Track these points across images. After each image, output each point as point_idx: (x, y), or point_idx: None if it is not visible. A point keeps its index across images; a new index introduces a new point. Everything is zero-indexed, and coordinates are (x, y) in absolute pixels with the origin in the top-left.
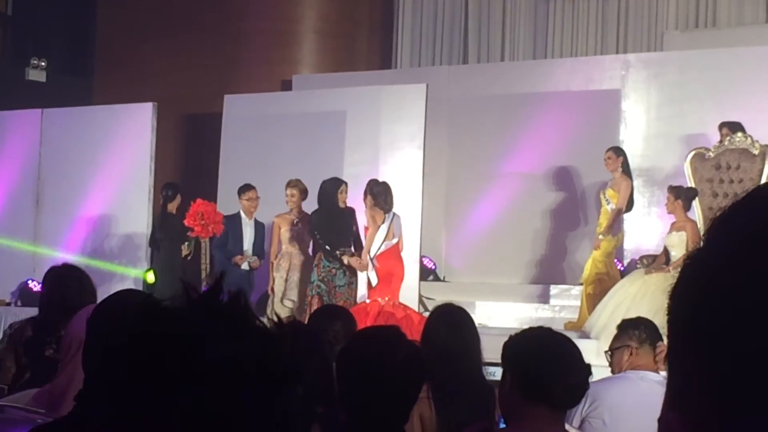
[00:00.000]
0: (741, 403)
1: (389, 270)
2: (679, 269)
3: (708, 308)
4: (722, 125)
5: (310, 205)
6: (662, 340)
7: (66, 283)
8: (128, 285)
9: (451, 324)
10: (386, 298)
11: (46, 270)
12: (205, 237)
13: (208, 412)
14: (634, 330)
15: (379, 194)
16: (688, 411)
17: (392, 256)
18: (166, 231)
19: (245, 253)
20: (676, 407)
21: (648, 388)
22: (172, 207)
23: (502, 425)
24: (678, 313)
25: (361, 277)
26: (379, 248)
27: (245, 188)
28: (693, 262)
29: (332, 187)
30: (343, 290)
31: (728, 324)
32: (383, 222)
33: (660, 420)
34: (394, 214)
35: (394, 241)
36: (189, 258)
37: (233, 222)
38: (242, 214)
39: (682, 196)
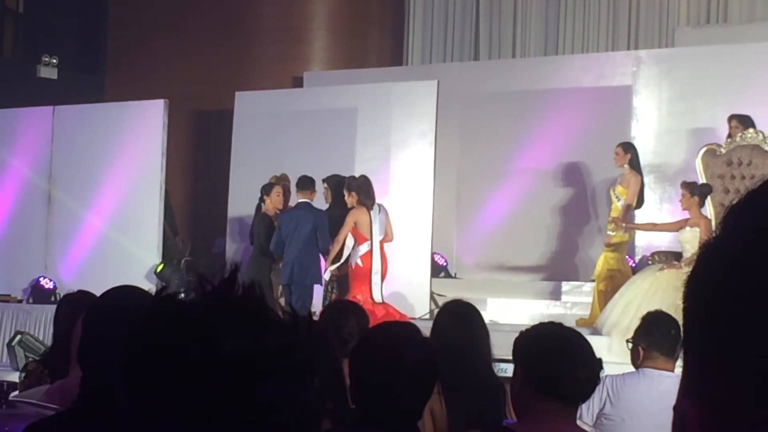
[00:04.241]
0: (757, 388)
1: (366, 269)
2: (691, 266)
3: (725, 294)
4: (731, 117)
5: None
6: (672, 343)
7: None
8: (140, 281)
9: (461, 319)
10: (358, 296)
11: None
12: None
13: (224, 406)
14: (644, 330)
15: (362, 189)
16: (703, 397)
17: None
18: (258, 229)
19: None
20: (691, 394)
21: (666, 386)
22: (267, 207)
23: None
24: (694, 300)
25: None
26: (371, 248)
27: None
28: (709, 249)
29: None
30: None
31: (745, 309)
32: (372, 222)
33: (675, 407)
34: (380, 207)
35: (381, 237)
36: None
37: (321, 214)
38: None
39: (697, 192)
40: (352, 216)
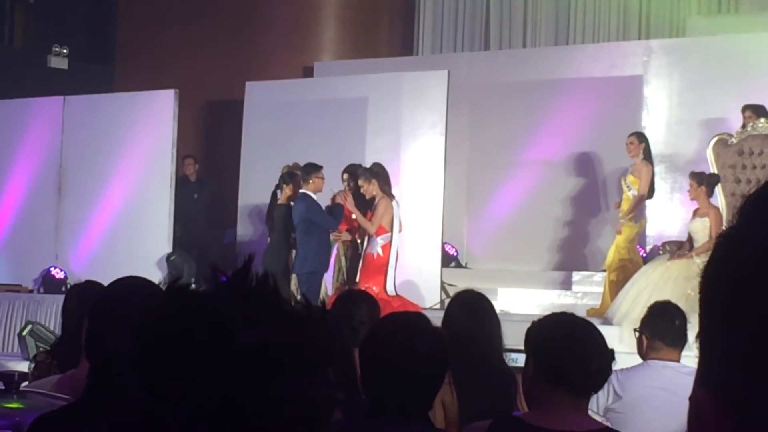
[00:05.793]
0: None
1: (386, 260)
2: (702, 255)
3: (742, 285)
4: (745, 108)
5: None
6: (675, 333)
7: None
8: (152, 271)
9: (472, 310)
10: (374, 288)
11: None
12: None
13: (236, 397)
14: (649, 320)
15: (381, 176)
16: (719, 388)
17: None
18: (274, 221)
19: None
20: (706, 384)
21: (670, 376)
22: (283, 197)
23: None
24: (710, 290)
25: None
26: (390, 240)
27: (317, 167)
28: (726, 239)
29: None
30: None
31: (762, 300)
32: (393, 218)
33: (691, 398)
34: (397, 201)
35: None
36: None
37: (310, 200)
38: (312, 194)
39: (705, 182)
40: (384, 203)
